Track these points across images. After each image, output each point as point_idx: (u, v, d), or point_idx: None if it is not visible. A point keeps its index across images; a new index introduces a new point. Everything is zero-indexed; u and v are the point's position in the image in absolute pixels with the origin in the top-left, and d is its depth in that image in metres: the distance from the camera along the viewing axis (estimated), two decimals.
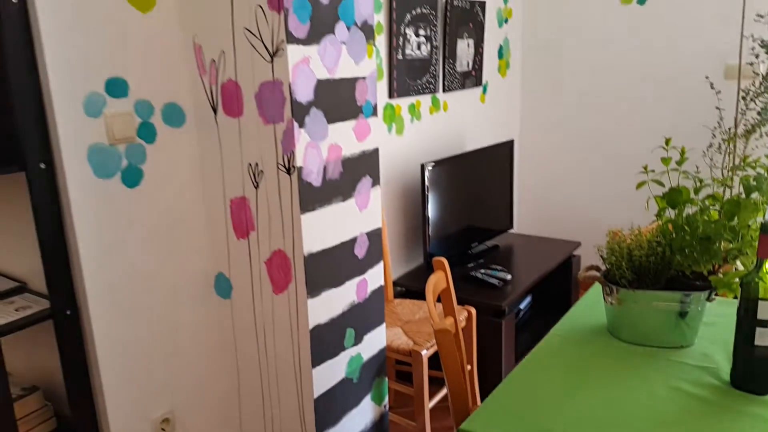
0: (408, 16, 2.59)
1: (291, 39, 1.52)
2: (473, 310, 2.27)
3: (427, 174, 2.59)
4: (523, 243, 3.18)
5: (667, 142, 1.40)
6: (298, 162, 1.60)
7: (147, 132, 1.64)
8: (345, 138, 1.76)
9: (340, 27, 1.69)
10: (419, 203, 2.78)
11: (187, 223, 1.78)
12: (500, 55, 3.42)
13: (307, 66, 1.59)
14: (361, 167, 1.85)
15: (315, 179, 1.66)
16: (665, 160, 1.39)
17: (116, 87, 1.55)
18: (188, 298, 1.82)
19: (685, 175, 1.37)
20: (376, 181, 1.92)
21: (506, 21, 3.42)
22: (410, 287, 2.66)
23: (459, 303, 2.34)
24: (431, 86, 2.83)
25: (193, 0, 1.65)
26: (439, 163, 2.66)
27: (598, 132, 3.45)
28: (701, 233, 1.35)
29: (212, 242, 1.84)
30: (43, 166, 1.42)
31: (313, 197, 1.66)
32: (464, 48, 3.03)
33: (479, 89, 3.26)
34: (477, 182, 2.97)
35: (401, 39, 2.57)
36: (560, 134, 3.58)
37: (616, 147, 3.41)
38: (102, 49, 1.51)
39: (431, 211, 2.65)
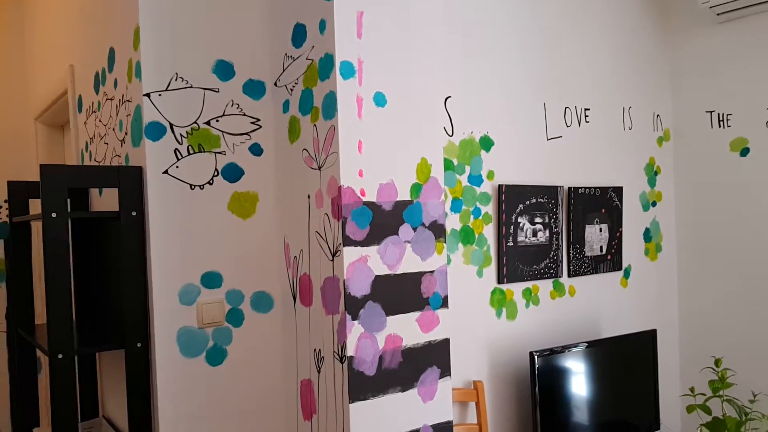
0: (520, 206, 2.67)
1: (348, 242, 1.72)
2: None
3: (537, 364, 2.48)
4: None
5: (717, 362, 1.24)
6: (349, 351, 1.71)
7: (235, 317, 1.92)
8: (407, 329, 1.84)
9: (405, 228, 1.85)
10: (529, 397, 2.62)
11: (265, 400, 1.96)
12: (647, 238, 3.25)
13: (365, 264, 1.76)
14: (427, 358, 1.89)
15: (368, 368, 1.75)
16: (713, 384, 1.23)
17: (211, 279, 1.88)
18: None
19: (732, 402, 1.19)
20: (445, 372, 1.93)
21: (653, 204, 3.29)
22: None
23: None
24: (551, 271, 2.79)
25: (285, 209, 1.98)
26: (555, 352, 2.54)
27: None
28: None
29: (285, 420, 1.98)
30: (139, 345, 1.74)
31: (365, 387, 1.74)
32: (595, 233, 2.97)
33: (618, 273, 3.10)
34: (609, 375, 2.72)
35: (512, 227, 2.64)
36: (725, 317, 3.16)
37: None
38: (202, 249, 1.87)
39: (544, 406, 2.49)
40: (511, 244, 2.65)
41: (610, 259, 3.05)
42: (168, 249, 1.82)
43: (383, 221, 1.80)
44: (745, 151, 3.11)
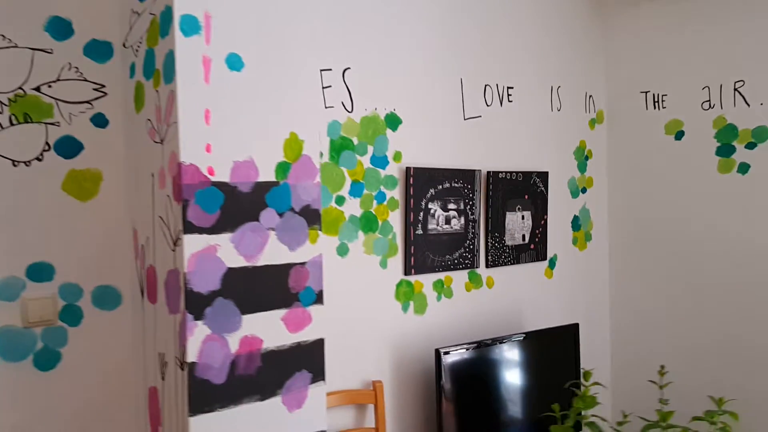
0: (432, 191, 2.45)
1: (190, 229, 1.46)
2: None
3: (444, 361, 2.27)
4: None
5: (586, 375, 1.03)
6: (191, 357, 1.46)
7: (71, 315, 1.65)
8: (269, 329, 1.60)
9: (268, 214, 1.60)
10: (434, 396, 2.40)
11: (107, 410, 1.70)
12: (575, 226, 3.06)
13: (213, 254, 1.51)
14: (295, 361, 1.65)
15: (216, 376, 1.50)
16: (577, 402, 1.01)
17: (39, 271, 1.60)
18: None
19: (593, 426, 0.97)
20: (318, 377, 1.70)
21: (583, 190, 3.10)
22: None
23: None
24: (467, 261, 2.57)
25: (133, 190, 1.71)
26: (465, 348, 2.32)
27: (701, 309, 2.84)
28: None
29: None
30: None
31: (211, 397, 1.49)
32: (516, 221, 2.76)
33: (542, 264, 2.90)
34: (526, 371, 2.53)
35: (421, 214, 2.41)
36: (658, 309, 3.01)
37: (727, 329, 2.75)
38: (27, 236, 1.59)
39: (450, 407, 2.28)
40: (420, 232, 2.43)
41: (534, 249, 2.86)
42: None
43: (239, 205, 1.55)
44: (679, 135, 2.93)
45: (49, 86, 1.62)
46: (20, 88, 1.59)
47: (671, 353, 2.96)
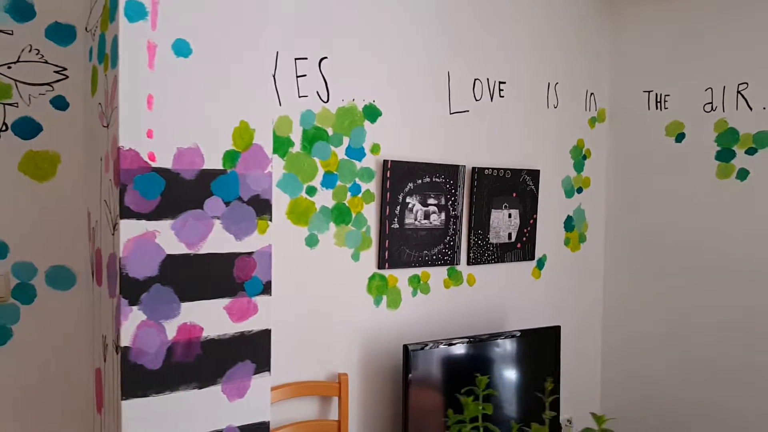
0: (410, 185, 2.41)
1: (127, 214, 1.47)
2: None
3: (412, 358, 2.24)
4: None
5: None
6: (125, 341, 1.47)
7: (24, 293, 1.68)
8: (210, 318, 1.60)
9: (213, 202, 1.59)
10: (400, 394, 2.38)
11: (58, 388, 1.73)
12: (569, 227, 2.98)
13: (152, 241, 1.51)
14: (237, 351, 1.65)
15: (151, 362, 1.51)
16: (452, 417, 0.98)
17: None
18: None
19: None
20: (262, 367, 1.69)
21: (579, 190, 3.01)
22: None
23: None
24: (446, 258, 2.53)
25: (89, 173, 1.73)
26: (435, 346, 2.29)
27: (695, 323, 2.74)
28: None
29: (82, 410, 1.75)
30: None
31: (145, 382, 1.50)
32: (502, 219, 2.70)
33: (530, 263, 2.84)
34: (500, 373, 2.49)
35: (398, 207, 2.38)
36: (652, 314, 2.91)
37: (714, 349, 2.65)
38: None
39: (417, 404, 2.26)
40: (396, 226, 2.39)
41: (521, 248, 2.79)
42: None
43: (182, 192, 1.54)
44: (680, 137, 2.82)
45: (8, 67, 1.65)
46: None
47: (664, 361, 2.87)
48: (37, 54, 1.68)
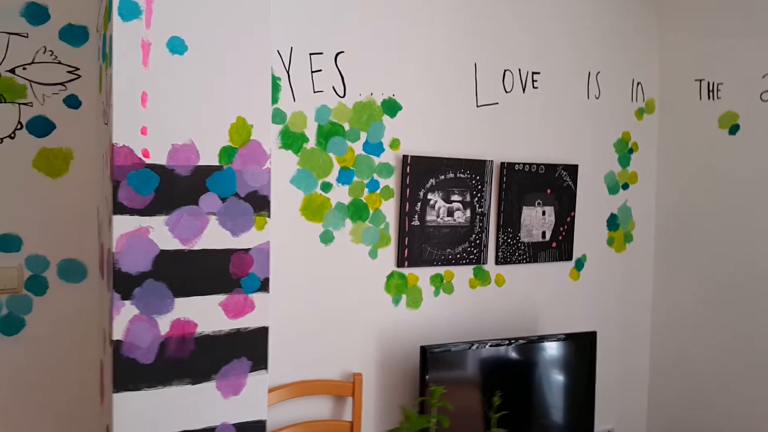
0: (432, 181, 2.34)
1: (121, 209, 1.50)
2: None
3: (430, 361, 2.17)
4: None
5: (435, 392, 0.94)
6: (117, 335, 1.50)
7: (37, 285, 1.75)
8: (205, 314, 1.61)
9: (209, 198, 1.60)
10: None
11: (65, 377, 1.79)
12: (612, 226, 2.81)
13: (145, 236, 1.53)
14: (233, 348, 1.65)
15: (143, 356, 1.53)
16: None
17: (7, 242, 1.71)
18: None
19: None
20: (259, 365, 1.68)
21: (625, 186, 2.83)
22: None
23: None
24: (472, 257, 2.44)
25: (99, 169, 1.78)
26: (455, 349, 2.22)
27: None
28: None
29: (86, 399, 1.81)
30: None
31: (138, 376, 1.53)
32: (535, 216, 2.58)
33: (567, 264, 2.69)
34: (528, 381, 2.38)
35: (419, 204, 2.31)
36: (705, 319, 2.70)
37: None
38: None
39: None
40: (416, 223, 2.33)
41: (556, 247, 2.65)
42: None
43: (176, 188, 1.56)
44: (734, 129, 2.58)
45: (24, 68, 1.72)
46: None
47: (717, 367, 2.65)
48: (51, 55, 1.74)
